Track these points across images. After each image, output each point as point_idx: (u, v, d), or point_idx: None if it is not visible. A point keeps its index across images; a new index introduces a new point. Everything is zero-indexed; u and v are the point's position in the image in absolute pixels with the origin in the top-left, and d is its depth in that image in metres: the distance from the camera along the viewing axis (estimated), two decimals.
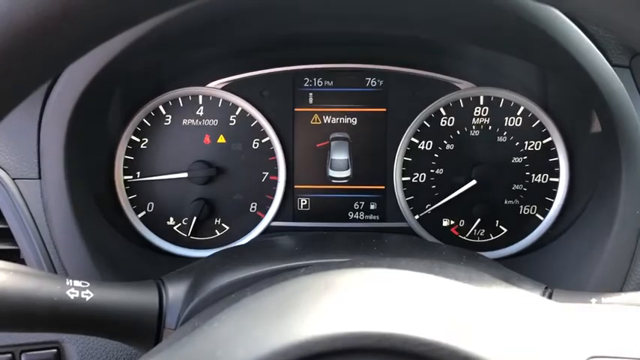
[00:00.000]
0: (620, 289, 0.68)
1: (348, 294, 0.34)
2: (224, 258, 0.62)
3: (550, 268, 0.79)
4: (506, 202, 0.85)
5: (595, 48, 0.67)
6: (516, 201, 0.84)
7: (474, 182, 0.83)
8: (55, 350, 0.68)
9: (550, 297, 0.58)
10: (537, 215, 0.84)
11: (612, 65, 0.72)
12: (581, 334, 0.34)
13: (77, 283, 0.51)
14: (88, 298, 0.51)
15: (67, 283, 0.50)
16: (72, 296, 0.50)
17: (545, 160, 0.84)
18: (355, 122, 0.86)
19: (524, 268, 0.81)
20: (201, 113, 0.85)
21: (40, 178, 0.69)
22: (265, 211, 0.85)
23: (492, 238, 0.85)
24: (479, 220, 0.84)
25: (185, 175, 0.84)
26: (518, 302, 0.38)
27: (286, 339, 0.28)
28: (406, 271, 0.39)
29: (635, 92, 0.73)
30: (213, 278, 0.56)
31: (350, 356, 0.28)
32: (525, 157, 0.84)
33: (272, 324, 0.31)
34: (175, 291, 0.57)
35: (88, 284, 0.52)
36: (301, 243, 0.69)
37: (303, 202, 0.86)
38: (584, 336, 0.34)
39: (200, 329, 0.34)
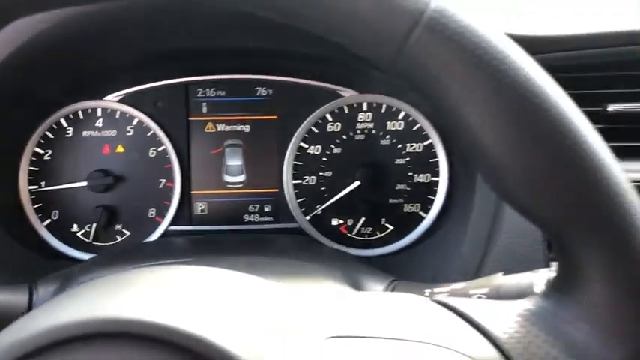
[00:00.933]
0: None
1: (125, 289, 0.40)
2: (99, 259, 0.69)
3: (430, 262, 0.86)
4: (390, 201, 0.92)
5: None
6: (400, 200, 0.92)
7: (357, 183, 0.90)
8: None
9: (393, 290, 0.65)
10: (421, 213, 0.92)
11: None
12: (323, 317, 0.41)
13: None
14: None
15: None
16: None
17: (426, 161, 0.91)
18: (248, 129, 0.92)
19: (409, 263, 0.90)
20: (100, 125, 0.91)
21: None
22: (164, 217, 0.92)
23: (379, 235, 0.93)
24: (363, 218, 0.91)
25: (85, 183, 0.90)
26: (291, 294, 0.44)
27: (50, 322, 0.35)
28: (203, 267, 0.45)
29: None
30: (79, 278, 0.63)
31: (94, 340, 0.35)
32: (408, 159, 0.91)
33: (54, 312, 0.37)
34: (45, 292, 0.63)
35: None
36: (176, 246, 0.75)
37: (201, 206, 0.93)
38: (326, 318, 0.41)
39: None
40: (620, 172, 0.39)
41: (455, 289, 0.61)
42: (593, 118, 0.80)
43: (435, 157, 0.91)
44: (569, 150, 0.38)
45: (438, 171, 0.91)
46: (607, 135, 0.78)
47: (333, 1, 0.39)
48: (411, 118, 0.91)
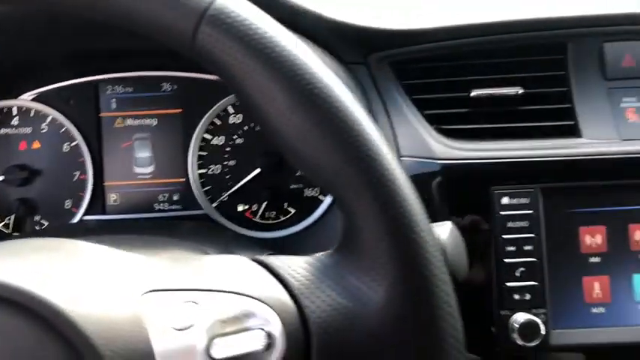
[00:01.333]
0: None
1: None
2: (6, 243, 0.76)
3: (325, 239, 0.94)
4: (292, 187, 1.00)
5: (315, 49, 0.82)
6: (301, 185, 0.99)
7: (258, 170, 0.97)
8: None
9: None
10: (319, 196, 1.00)
11: (347, 63, 0.87)
12: (144, 276, 0.49)
13: None
14: None
15: None
16: None
17: None
18: (155, 123, 1.00)
19: (309, 242, 0.98)
20: (16, 123, 0.98)
21: None
22: (79, 207, 0.99)
23: (283, 218, 1.00)
24: (265, 203, 0.99)
25: (2, 177, 0.97)
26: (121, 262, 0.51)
27: None
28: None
29: (370, 85, 0.88)
30: None
31: None
32: None
33: None
34: None
35: None
36: (74, 231, 0.83)
37: (113, 197, 1.00)
38: (146, 276, 0.48)
39: None
40: (378, 137, 0.48)
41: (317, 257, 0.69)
42: (461, 102, 0.89)
43: None
44: (331, 119, 0.46)
45: None
46: (472, 117, 0.87)
47: (131, 2, 0.46)
48: None
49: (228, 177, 1.00)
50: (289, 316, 0.47)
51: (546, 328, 0.78)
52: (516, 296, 0.78)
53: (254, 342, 0.45)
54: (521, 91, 0.85)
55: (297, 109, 0.46)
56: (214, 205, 1.00)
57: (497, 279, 0.79)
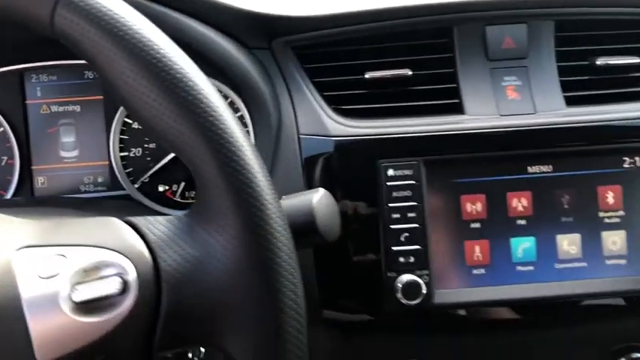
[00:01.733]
0: None
1: None
2: None
3: None
4: None
5: (220, 37, 0.89)
6: None
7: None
8: None
9: None
10: None
11: (251, 49, 0.94)
12: (20, 233, 0.55)
13: None
14: None
15: None
16: None
17: None
18: (79, 109, 1.06)
19: None
20: None
21: None
22: (7, 190, 1.05)
23: None
24: (183, 183, 1.06)
25: None
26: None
27: None
28: None
29: (275, 69, 0.95)
30: None
31: None
32: None
33: None
34: None
35: None
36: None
37: (41, 180, 1.07)
38: (22, 234, 0.55)
39: None
40: (221, 104, 0.55)
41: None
42: (357, 84, 0.96)
43: (246, 126, 1.06)
44: (173, 89, 0.54)
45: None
46: (367, 98, 0.94)
47: None
48: (222, 93, 1.05)
49: (149, 159, 1.06)
50: (144, 266, 0.54)
51: (429, 288, 0.85)
52: (401, 259, 0.86)
53: (110, 287, 0.52)
54: (410, 72, 0.92)
55: (143, 81, 0.53)
56: (136, 185, 1.07)
57: (385, 244, 0.86)
